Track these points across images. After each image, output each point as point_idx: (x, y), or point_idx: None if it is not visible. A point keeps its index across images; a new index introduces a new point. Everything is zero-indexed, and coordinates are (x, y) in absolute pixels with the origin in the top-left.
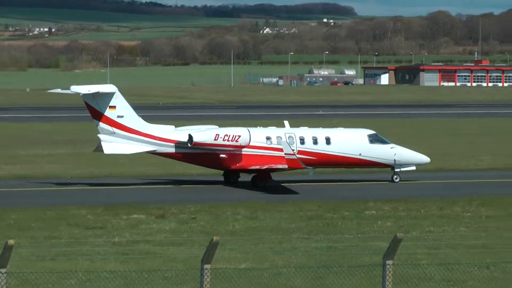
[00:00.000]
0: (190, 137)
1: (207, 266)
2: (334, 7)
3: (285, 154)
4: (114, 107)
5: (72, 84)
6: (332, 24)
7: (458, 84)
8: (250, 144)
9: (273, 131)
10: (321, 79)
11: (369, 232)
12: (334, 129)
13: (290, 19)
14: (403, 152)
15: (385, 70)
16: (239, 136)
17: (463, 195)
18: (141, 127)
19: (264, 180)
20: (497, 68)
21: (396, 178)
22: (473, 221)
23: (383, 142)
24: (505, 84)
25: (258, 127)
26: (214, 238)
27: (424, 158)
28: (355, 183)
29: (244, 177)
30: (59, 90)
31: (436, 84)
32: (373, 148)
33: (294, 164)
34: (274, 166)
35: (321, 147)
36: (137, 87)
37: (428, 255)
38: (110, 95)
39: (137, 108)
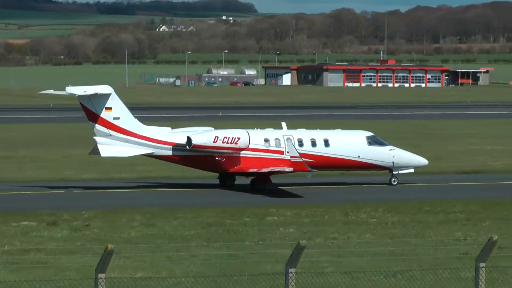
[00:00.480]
0: (189, 139)
1: (101, 275)
2: (234, 4)
3: (291, 157)
4: (110, 108)
5: None
6: (231, 21)
7: (363, 84)
8: (249, 146)
9: (271, 133)
10: (220, 79)
11: (271, 239)
12: (332, 131)
13: (188, 16)
14: (401, 154)
15: (287, 70)
16: (239, 138)
17: (368, 200)
18: (138, 129)
19: (264, 183)
20: (403, 68)
21: (394, 181)
22: (379, 228)
23: (381, 144)
24: (412, 85)
25: (256, 128)
26: (109, 246)
27: (422, 161)
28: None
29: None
30: (51, 91)
31: (340, 84)
32: (372, 150)
33: (300, 167)
34: (279, 169)
35: (320, 149)
36: (28, 88)
37: (333, 262)
38: (106, 96)
39: (27, 109)
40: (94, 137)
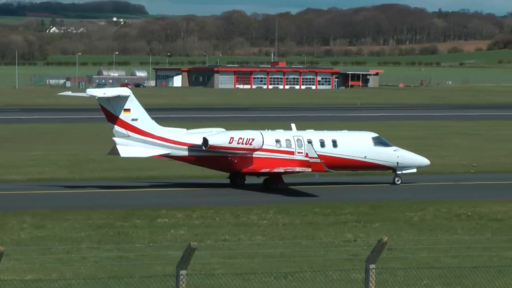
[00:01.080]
0: (205, 140)
1: None
2: (125, 6)
3: (310, 157)
4: (128, 110)
5: None
6: (122, 23)
7: (254, 86)
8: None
9: (282, 134)
10: (110, 80)
11: (162, 241)
12: (339, 131)
13: (78, 18)
14: (405, 154)
15: (178, 71)
16: (253, 139)
17: (260, 202)
18: (155, 130)
19: (277, 183)
20: (294, 70)
21: (397, 181)
22: (270, 229)
23: (386, 145)
24: (303, 87)
25: (267, 130)
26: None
27: (424, 161)
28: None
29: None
30: (70, 93)
31: (231, 86)
32: (377, 151)
33: (318, 167)
34: (298, 169)
35: (328, 150)
36: None
37: (224, 264)
38: (125, 98)
39: None
40: (113, 138)
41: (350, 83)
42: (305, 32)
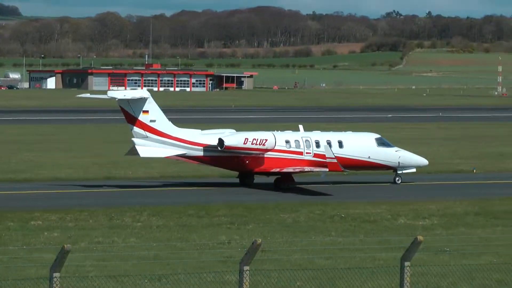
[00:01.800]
0: (221, 141)
1: None
2: None
3: (327, 158)
4: (147, 111)
5: None
6: None
7: (128, 88)
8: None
9: (291, 135)
10: None
11: (35, 244)
12: (344, 132)
13: None
14: (406, 155)
15: (52, 73)
16: (266, 140)
17: (132, 204)
18: (172, 131)
19: (287, 183)
20: (168, 72)
21: (398, 180)
22: (144, 232)
23: (388, 145)
24: (177, 89)
25: (276, 131)
26: None
27: (423, 161)
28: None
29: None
30: (88, 95)
31: (106, 88)
32: (380, 151)
33: (334, 167)
34: (315, 169)
35: (335, 150)
36: None
37: (97, 267)
38: (144, 100)
39: None
40: (132, 139)
41: (224, 85)
42: (180, 34)
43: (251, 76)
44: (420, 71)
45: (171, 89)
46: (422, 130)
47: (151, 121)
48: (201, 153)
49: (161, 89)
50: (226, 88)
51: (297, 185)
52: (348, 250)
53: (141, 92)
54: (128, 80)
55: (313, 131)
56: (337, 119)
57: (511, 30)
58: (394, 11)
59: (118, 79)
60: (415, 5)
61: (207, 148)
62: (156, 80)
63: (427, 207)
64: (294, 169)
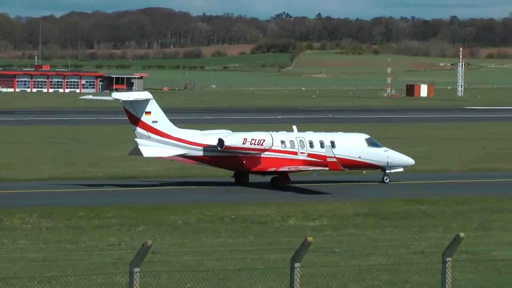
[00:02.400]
0: (221, 141)
1: None
2: None
3: (328, 157)
4: (149, 112)
5: None
6: None
7: (18, 90)
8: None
9: (286, 136)
10: None
11: None
12: (335, 133)
13: None
14: (394, 155)
15: None
16: (264, 140)
17: (21, 206)
18: (173, 132)
19: (284, 181)
20: (57, 73)
21: (386, 179)
22: (33, 233)
23: (377, 145)
24: (67, 90)
25: (271, 131)
26: None
27: (410, 161)
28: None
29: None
30: (90, 96)
31: None
32: (370, 151)
33: (334, 166)
34: (318, 168)
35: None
36: None
37: None
38: (146, 101)
39: None
40: (136, 139)
41: (114, 86)
42: (70, 35)
43: (141, 78)
44: (310, 73)
45: (61, 90)
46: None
47: (153, 122)
48: (201, 153)
49: (51, 90)
50: (116, 89)
51: (293, 184)
52: (238, 251)
53: (144, 94)
54: (18, 81)
55: (306, 132)
56: (227, 120)
57: (400, 32)
58: (284, 12)
59: (7, 80)
60: (305, 6)
61: (206, 148)
62: (45, 82)
63: (317, 208)
64: (289, 168)
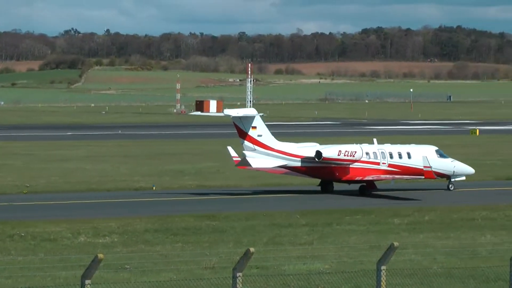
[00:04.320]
0: (319, 153)
1: None
2: None
3: (424, 167)
4: (255, 127)
5: None
6: None
7: None
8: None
9: (369, 147)
10: None
11: None
12: (410, 145)
13: None
14: (459, 165)
15: None
16: (355, 152)
17: None
18: (274, 144)
19: (371, 189)
20: None
21: (451, 187)
22: None
23: (445, 156)
24: None
25: (355, 143)
26: None
27: (471, 170)
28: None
29: None
30: (198, 113)
31: None
32: (440, 162)
33: (429, 175)
34: (415, 177)
35: (405, 161)
36: None
37: None
38: (253, 117)
39: None
40: (244, 151)
41: None
42: None
43: None
44: (99, 89)
45: None
46: (101, 148)
47: (258, 135)
48: (299, 164)
49: None
50: None
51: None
52: (29, 269)
53: (251, 111)
54: None
55: (385, 144)
56: (16, 137)
57: (189, 48)
58: (72, 28)
59: None
60: (94, 23)
61: (304, 159)
62: None
63: (108, 224)
64: (372, 177)
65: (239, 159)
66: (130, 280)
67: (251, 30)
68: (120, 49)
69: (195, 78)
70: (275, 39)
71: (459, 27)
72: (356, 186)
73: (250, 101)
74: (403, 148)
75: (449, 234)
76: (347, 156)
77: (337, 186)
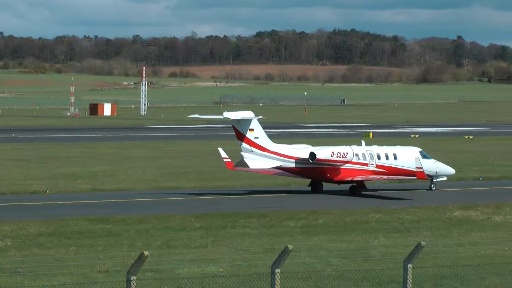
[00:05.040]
0: (313, 154)
1: None
2: None
3: (416, 167)
4: (252, 129)
5: None
6: None
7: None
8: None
9: (358, 149)
10: None
11: None
12: (395, 147)
13: None
14: (441, 166)
15: None
16: (347, 153)
17: None
18: (270, 146)
19: (361, 189)
20: None
21: (433, 187)
22: None
23: (428, 157)
24: None
25: (345, 145)
26: None
27: (452, 171)
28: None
29: None
30: (197, 115)
31: None
32: (424, 162)
33: (421, 175)
34: (406, 177)
35: (391, 162)
36: None
37: None
38: (250, 120)
39: None
40: (241, 153)
41: None
42: None
43: None
44: None
45: None
46: None
47: (255, 138)
48: (293, 165)
49: None
50: None
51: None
52: None
53: (249, 114)
54: None
55: (372, 146)
56: None
57: (83, 50)
58: None
59: None
60: None
61: (298, 160)
62: None
63: (1, 228)
64: (363, 177)
65: (229, 160)
66: (23, 284)
67: (145, 33)
68: (14, 52)
69: (89, 81)
70: (169, 42)
71: (353, 30)
72: (346, 187)
73: (145, 104)
74: (390, 150)
75: (343, 237)
76: (339, 157)
77: (326, 186)
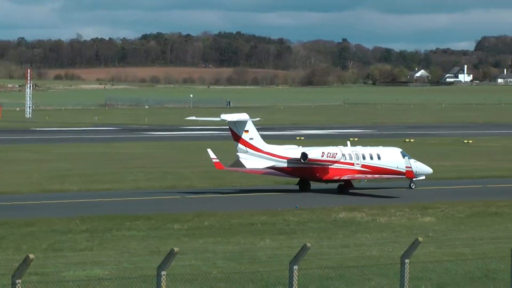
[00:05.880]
0: (304, 154)
1: None
2: None
3: (406, 167)
4: (247, 131)
5: None
6: None
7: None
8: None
9: (344, 149)
10: None
11: None
12: (378, 147)
13: None
14: (419, 165)
15: None
16: (336, 153)
17: None
18: (263, 147)
19: (349, 188)
20: None
21: (413, 186)
22: None
23: (408, 157)
24: None
25: (332, 146)
26: None
27: (430, 170)
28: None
29: None
30: (193, 117)
31: None
32: (404, 162)
33: (410, 174)
34: (396, 175)
35: (375, 162)
36: None
37: None
38: (245, 122)
39: None
40: (237, 153)
41: None
42: None
43: None
44: None
45: None
46: None
47: (250, 139)
48: (285, 165)
49: None
50: None
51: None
52: None
53: (244, 115)
54: None
55: (357, 146)
56: None
57: None
58: None
59: None
60: None
61: (290, 160)
62: None
63: None
64: (349, 176)
65: (218, 160)
66: None
67: (30, 35)
68: None
69: None
70: (54, 44)
71: (238, 33)
72: (334, 185)
73: (29, 106)
74: (373, 150)
75: (229, 239)
76: (329, 157)
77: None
